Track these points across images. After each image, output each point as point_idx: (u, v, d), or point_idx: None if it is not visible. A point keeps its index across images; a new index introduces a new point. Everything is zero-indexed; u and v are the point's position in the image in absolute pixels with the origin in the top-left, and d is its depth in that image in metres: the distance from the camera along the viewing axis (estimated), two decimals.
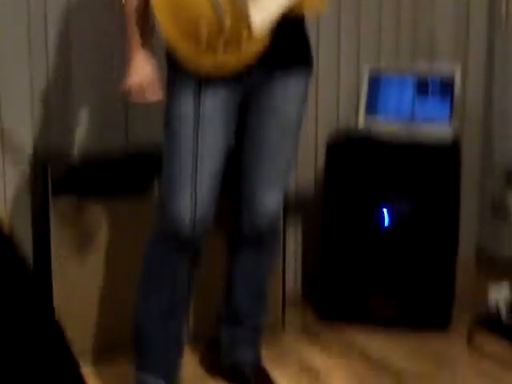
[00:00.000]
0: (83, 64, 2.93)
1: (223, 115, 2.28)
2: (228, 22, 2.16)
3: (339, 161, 3.12)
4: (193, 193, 2.26)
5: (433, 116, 3.19)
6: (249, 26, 2.17)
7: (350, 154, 3.11)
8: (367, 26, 3.48)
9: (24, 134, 2.87)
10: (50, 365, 0.68)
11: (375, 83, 3.27)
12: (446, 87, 3.20)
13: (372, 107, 3.26)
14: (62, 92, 2.92)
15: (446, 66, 3.28)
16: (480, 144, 3.68)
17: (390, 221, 3.08)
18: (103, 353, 2.77)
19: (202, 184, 2.27)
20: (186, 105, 2.24)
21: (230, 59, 2.18)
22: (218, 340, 2.65)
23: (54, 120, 2.92)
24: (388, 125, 3.19)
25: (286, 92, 2.37)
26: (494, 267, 3.67)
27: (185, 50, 2.17)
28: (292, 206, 3.29)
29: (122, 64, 2.38)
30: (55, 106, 2.91)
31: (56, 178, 2.67)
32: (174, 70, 2.26)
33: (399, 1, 3.55)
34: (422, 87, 3.22)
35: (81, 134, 2.97)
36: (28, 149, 2.88)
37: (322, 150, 3.21)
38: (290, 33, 2.30)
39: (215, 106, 2.25)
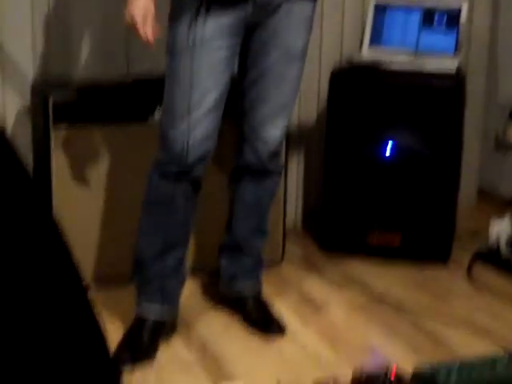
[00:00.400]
0: None
1: (225, 41, 2.26)
2: None
3: (343, 90, 3.09)
4: (189, 119, 2.26)
5: (438, 48, 3.15)
6: None
7: (354, 83, 3.08)
8: None
9: (25, 62, 2.84)
10: (51, 273, 0.67)
11: (381, 13, 3.22)
12: (452, 20, 3.15)
13: (377, 37, 3.22)
14: (62, 21, 2.87)
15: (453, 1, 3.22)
16: (485, 77, 3.64)
17: (392, 153, 3.07)
18: (103, 279, 2.78)
19: (199, 110, 2.27)
20: (186, 31, 2.22)
21: None
22: (219, 271, 2.66)
23: (55, 49, 2.88)
24: (392, 56, 3.15)
25: (291, 19, 2.34)
26: (495, 202, 3.67)
27: None
28: (294, 137, 3.27)
29: None
30: (56, 35, 2.87)
31: (57, 105, 2.65)
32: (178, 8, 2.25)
33: None
34: (428, 19, 3.17)
35: (82, 63, 2.93)
36: (29, 77, 2.85)
37: (325, 80, 3.17)
38: None
39: (217, 32, 2.23)
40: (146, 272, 2.42)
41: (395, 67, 3.09)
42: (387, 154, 3.07)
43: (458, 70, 3.11)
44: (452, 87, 3.04)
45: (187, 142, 2.28)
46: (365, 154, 3.09)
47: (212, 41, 2.23)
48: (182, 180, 2.34)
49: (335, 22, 3.37)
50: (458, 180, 3.17)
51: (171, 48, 2.28)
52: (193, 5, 2.23)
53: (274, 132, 2.44)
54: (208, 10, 2.23)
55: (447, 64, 3.09)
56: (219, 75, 2.28)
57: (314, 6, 2.41)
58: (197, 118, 2.28)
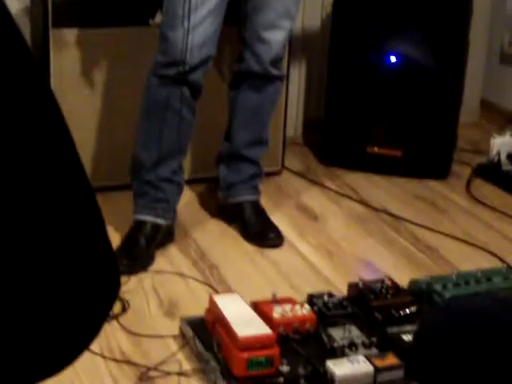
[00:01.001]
0: None
1: None
2: None
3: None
4: (188, 21, 2.21)
5: None
6: None
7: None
8: None
9: None
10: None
11: None
12: None
13: None
14: None
15: None
16: None
17: (396, 61, 3.01)
18: (101, 182, 2.72)
19: (200, 12, 2.23)
20: None
21: None
22: (217, 180, 2.64)
23: None
24: None
25: None
26: (498, 115, 3.63)
27: None
28: (297, 43, 3.20)
29: None
30: None
31: (56, 7, 2.58)
32: None
33: None
34: None
35: None
36: None
37: None
38: None
39: None
40: (143, 178, 2.41)
41: None
42: (391, 61, 3.00)
43: None
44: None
45: (186, 44, 2.23)
46: (369, 62, 3.03)
47: None
48: (181, 84, 2.30)
49: None
50: (461, 93, 3.12)
51: None
52: None
53: (277, 35, 2.39)
54: None
55: None
56: None
57: None
58: (197, 21, 2.23)
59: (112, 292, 0.68)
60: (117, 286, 0.69)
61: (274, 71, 2.46)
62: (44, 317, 0.64)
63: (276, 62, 2.45)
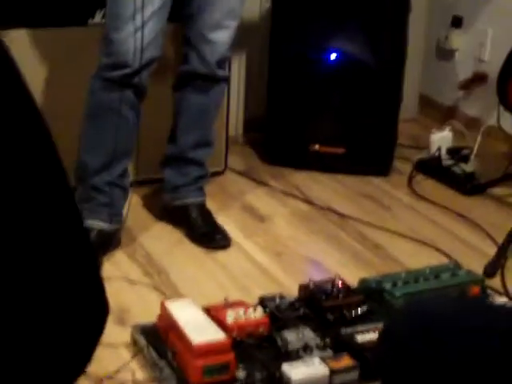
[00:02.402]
0: None
1: None
2: None
3: None
4: (134, 21, 2.18)
5: None
6: None
7: None
8: None
9: None
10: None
11: None
12: None
13: None
14: None
15: None
16: None
17: (336, 59, 3.02)
18: None
19: (145, 13, 2.19)
20: None
21: None
22: (162, 183, 2.61)
23: None
24: None
25: None
26: (436, 110, 3.67)
27: None
28: (235, 40, 3.18)
29: None
30: None
31: None
32: None
33: None
34: None
35: None
36: None
37: None
38: None
39: None
40: (88, 183, 2.36)
41: None
42: (332, 58, 3.01)
43: None
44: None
45: (133, 46, 2.20)
46: (309, 59, 3.03)
47: None
48: (127, 87, 2.27)
49: None
50: (400, 89, 3.14)
51: None
52: None
53: (222, 35, 2.37)
54: None
55: None
56: None
57: None
58: (141, 22, 2.19)
59: (99, 324, 0.66)
60: (104, 317, 0.67)
61: (220, 72, 2.44)
62: (34, 351, 0.61)
63: (221, 62, 2.43)
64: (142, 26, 2.20)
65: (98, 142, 2.32)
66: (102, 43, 2.27)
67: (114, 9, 2.22)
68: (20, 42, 2.58)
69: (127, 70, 2.23)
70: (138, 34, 2.19)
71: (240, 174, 3.07)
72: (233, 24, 2.38)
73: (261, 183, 3.01)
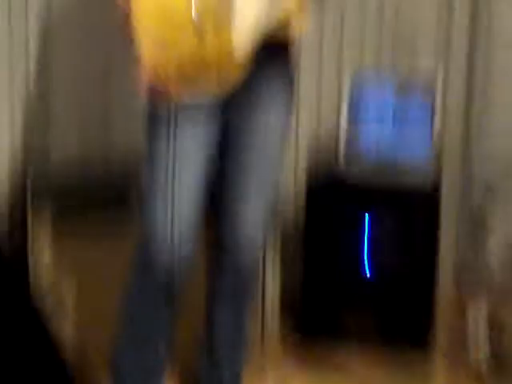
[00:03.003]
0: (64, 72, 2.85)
1: (201, 147, 2.21)
2: (209, 46, 2.08)
3: (319, 205, 3.12)
4: (170, 225, 2.18)
5: (414, 120, 3.17)
6: (230, 49, 2.09)
7: (330, 198, 3.10)
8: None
9: (3, 142, 2.79)
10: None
11: (357, 88, 3.24)
12: (427, 92, 3.18)
13: (355, 113, 3.23)
14: (40, 102, 2.84)
15: (428, 68, 3.30)
16: (460, 161, 3.64)
17: (370, 271, 3.09)
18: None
19: (181, 217, 2.19)
20: (162, 138, 2.17)
21: (209, 83, 2.11)
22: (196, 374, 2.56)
23: (34, 128, 2.86)
24: (370, 132, 3.17)
25: (269, 117, 2.30)
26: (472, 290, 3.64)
27: (163, 74, 2.09)
28: (270, 243, 3.22)
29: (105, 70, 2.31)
30: (35, 115, 2.85)
31: (35, 188, 2.61)
32: (152, 104, 2.20)
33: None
34: (403, 91, 3.20)
35: (59, 142, 2.90)
36: (6, 158, 2.80)
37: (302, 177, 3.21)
38: (272, 55, 2.25)
39: (192, 137, 2.18)
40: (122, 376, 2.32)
41: (369, 180, 3.10)
42: (366, 272, 3.09)
43: (433, 181, 3.10)
44: (428, 207, 3.08)
45: (171, 242, 2.19)
46: (342, 270, 3.10)
47: (189, 150, 2.18)
48: (163, 288, 2.23)
49: (311, 100, 3.39)
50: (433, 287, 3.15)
51: (149, 155, 2.22)
52: (169, 112, 2.17)
53: (253, 237, 2.35)
54: (183, 117, 2.18)
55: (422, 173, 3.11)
56: (198, 167, 2.22)
57: (291, 102, 2.37)
58: (180, 225, 2.19)
59: None
60: None
61: (251, 273, 2.42)
62: None
63: (254, 262, 2.42)
64: (174, 229, 2.19)
65: (135, 348, 2.30)
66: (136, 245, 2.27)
67: (147, 212, 2.22)
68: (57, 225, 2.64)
69: (162, 270, 2.22)
70: (176, 228, 2.20)
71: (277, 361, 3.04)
72: (266, 216, 2.37)
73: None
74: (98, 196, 2.71)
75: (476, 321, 3.08)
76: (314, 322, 3.16)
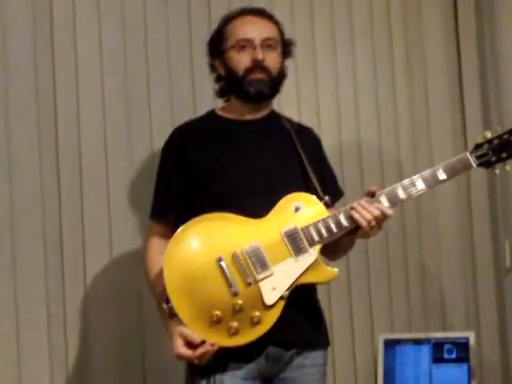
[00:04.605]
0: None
1: None
2: (241, 303, 2.29)
3: None
4: None
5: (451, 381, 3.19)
6: (260, 308, 2.29)
7: None
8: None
9: None
10: None
11: (391, 348, 3.28)
12: (461, 351, 3.21)
13: (389, 374, 3.27)
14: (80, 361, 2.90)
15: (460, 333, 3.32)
16: None
17: None
18: None
19: None
20: None
21: (241, 340, 2.29)
22: None
23: None
24: None
25: (305, 371, 2.43)
26: None
27: (198, 332, 2.29)
28: None
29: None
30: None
31: None
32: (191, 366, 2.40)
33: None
34: (438, 351, 3.24)
35: None
36: None
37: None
38: (302, 307, 2.41)
39: None
40: None
41: None
42: None
43: None
44: None
45: None
46: None
47: None
48: None
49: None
50: None
51: None
52: (208, 367, 2.32)
53: None
54: (224, 370, 2.34)
55: None
56: None
57: (325, 354, 2.51)
58: None
59: None
60: None
61: None
62: None
63: None
64: None
65: None
66: None
67: None
68: None
69: None
70: None
71: None
72: None
73: None
74: None
75: None
76: None
